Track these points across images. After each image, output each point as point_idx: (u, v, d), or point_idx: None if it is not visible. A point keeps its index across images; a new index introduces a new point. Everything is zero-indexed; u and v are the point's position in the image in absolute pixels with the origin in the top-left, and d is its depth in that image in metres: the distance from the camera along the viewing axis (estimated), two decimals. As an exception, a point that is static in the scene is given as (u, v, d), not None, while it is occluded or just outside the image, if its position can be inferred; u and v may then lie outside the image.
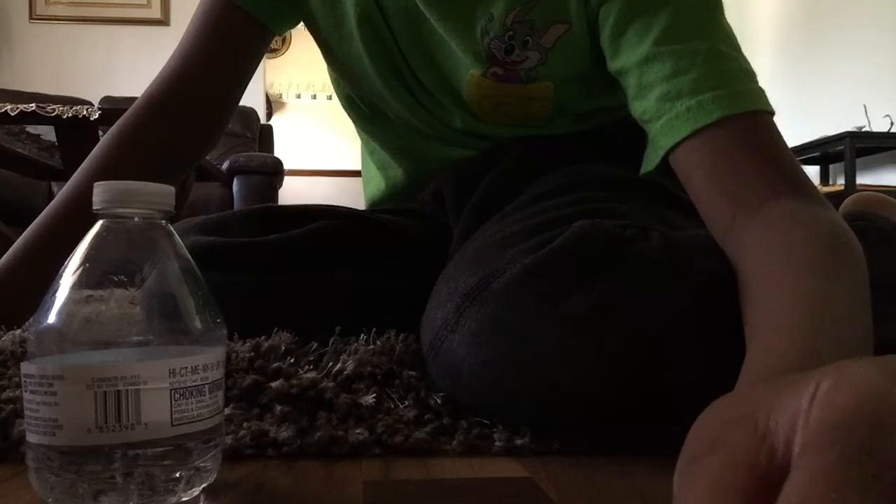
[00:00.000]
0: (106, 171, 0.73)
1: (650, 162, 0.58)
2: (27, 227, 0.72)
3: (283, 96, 5.90)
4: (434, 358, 0.50)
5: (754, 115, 0.53)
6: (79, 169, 0.74)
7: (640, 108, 0.58)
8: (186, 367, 0.33)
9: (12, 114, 1.79)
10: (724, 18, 0.60)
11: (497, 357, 0.46)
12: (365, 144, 0.93)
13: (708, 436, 0.24)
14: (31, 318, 0.34)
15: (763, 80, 0.57)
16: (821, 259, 0.42)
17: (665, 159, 0.56)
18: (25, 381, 0.33)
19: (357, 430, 0.46)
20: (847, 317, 0.38)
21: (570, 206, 0.59)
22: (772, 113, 0.55)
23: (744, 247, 0.47)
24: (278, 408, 0.48)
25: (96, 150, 0.75)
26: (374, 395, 0.50)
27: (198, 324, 0.35)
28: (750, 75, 0.56)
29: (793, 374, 0.24)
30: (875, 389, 0.19)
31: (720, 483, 0.21)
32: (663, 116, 0.55)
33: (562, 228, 0.50)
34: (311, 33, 0.79)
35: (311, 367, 0.54)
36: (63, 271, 0.34)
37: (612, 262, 0.47)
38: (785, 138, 0.56)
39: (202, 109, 0.79)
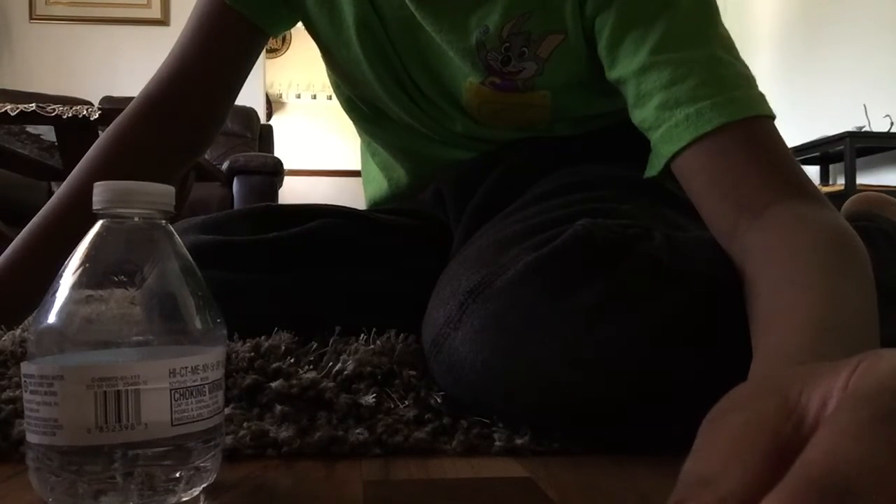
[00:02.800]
0: (102, 170, 0.73)
1: (652, 168, 0.58)
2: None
3: (283, 96, 5.90)
4: (436, 356, 0.50)
5: (754, 121, 0.53)
6: (76, 168, 0.74)
7: (640, 116, 0.58)
8: (186, 367, 0.33)
9: (12, 114, 1.79)
10: (721, 24, 0.60)
11: (499, 354, 0.46)
12: (367, 146, 0.93)
13: (735, 401, 0.24)
14: (31, 318, 0.34)
15: (762, 81, 0.57)
16: (828, 261, 0.42)
17: (667, 166, 0.56)
18: (25, 381, 0.33)
19: (357, 430, 0.46)
20: (857, 317, 0.38)
21: (573, 205, 0.59)
22: (772, 117, 0.55)
23: (749, 250, 0.47)
24: (278, 408, 0.48)
25: (93, 150, 0.75)
26: (374, 395, 0.50)
27: (198, 324, 0.35)
28: (749, 80, 0.56)
29: (824, 362, 0.24)
30: None
31: (743, 439, 0.21)
32: (663, 125, 0.55)
33: (564, 227, 0.50)
34: (311, 35, 0.79)
35: (311, 367, 0.54)
36: (63, 271, 0.34)
37: (614, 261, 0.47)
38: (785, 139, 0.55)
39: (198, 109, 0.79)
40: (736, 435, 0.21)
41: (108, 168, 0.73)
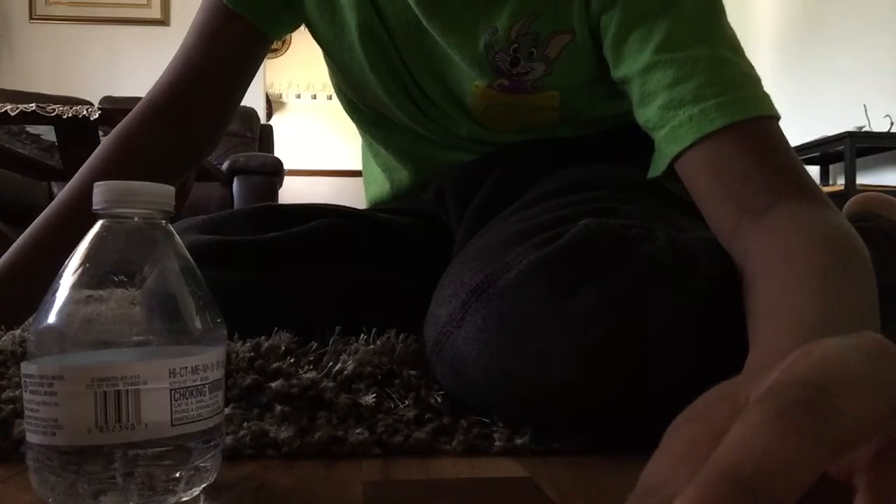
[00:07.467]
0: (106, 172, 0.73)
1: (656, 168, 0.58)
2: (27, 227, 0.72)
3: (283, 96, 5.90)
4: (438, 354, 0.50)
5: (757, 121, 0.53)
6: (79, 170, 0.74)
7: (644, 116, 0.58)
8: (186, 367, 0.33)
9: (12, 114, 1.79)
10: (727, 23, 0.59)
11: (501, 353, 0.46)
12: (368, 147, 0.93)
13: (691, 410, 0.24)
14: (31, 318, 0.34)
15: (763, 80, 0.57)
16: (825, 263, 0.42)
17: (670, 166, 0.56)
18: (25, 381, 0.33)
19: (357, 430, 0.46)
20: (850, 321, 0.38)
21: (576, 205, 0.58)
22: (776, 117, 0.55)
23: (749, 251, 0.47)
24: (278, 408, 0.48)
25: (97, 152, 0.75)
26: (374, 395, 0.50)
27: (198, 324, 0.35)
28: (753, 80, 0.56)
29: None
30: (835, 357, 0.21)
31: (693, 448, 0.22)
32: (666, 125, 0.55)
33: (567, 226, 0.50)
34: (314, 38, 0.79)
35: (311, 367, 0.54)
36: (63, 271, 0.34)
37: (616, 260, 0.47)
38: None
39: (203, 113, 0.79)
40: (688, 442, 0.22)
41: (111, 171, 0.73)
